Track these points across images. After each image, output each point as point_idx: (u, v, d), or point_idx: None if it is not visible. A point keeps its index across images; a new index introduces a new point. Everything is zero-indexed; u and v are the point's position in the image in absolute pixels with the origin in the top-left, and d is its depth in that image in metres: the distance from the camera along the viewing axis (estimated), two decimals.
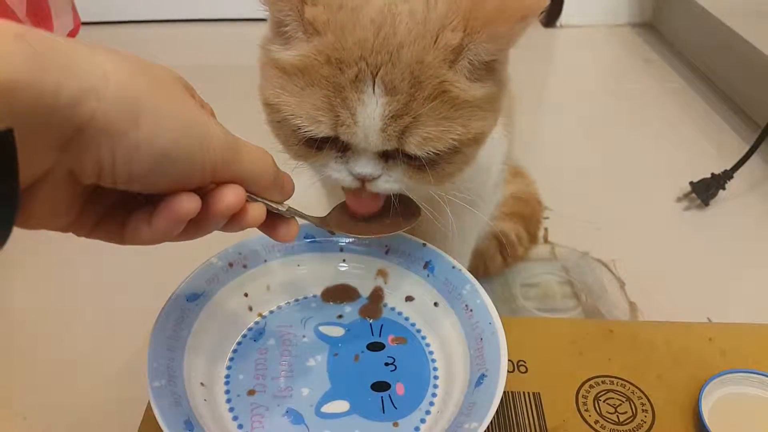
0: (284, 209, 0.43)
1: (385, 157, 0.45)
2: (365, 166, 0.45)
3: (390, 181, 0.46)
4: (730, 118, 1.21)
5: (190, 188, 0.36)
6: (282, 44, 0.44)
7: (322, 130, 0.43)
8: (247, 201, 0.40)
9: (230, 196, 0.38)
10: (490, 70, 0.44)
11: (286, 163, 0.47)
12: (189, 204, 0.36)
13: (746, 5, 1.22)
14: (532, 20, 0.40)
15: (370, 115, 0.41)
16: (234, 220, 0.40)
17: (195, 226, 0.38)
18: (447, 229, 0.53)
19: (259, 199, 0.41)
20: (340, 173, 0.46)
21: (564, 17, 1.59)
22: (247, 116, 0.47)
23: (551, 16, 1.59)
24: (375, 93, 0.41)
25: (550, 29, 1.60)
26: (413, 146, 0.42)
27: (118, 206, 0.38)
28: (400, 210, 0.49)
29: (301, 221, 0.46)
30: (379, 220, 0.49)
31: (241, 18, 1.46)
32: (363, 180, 0.46)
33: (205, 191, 0.38)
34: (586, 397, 0.53)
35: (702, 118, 1.23)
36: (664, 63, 1.43)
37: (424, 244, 0.57)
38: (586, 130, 1.23)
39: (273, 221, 0.43)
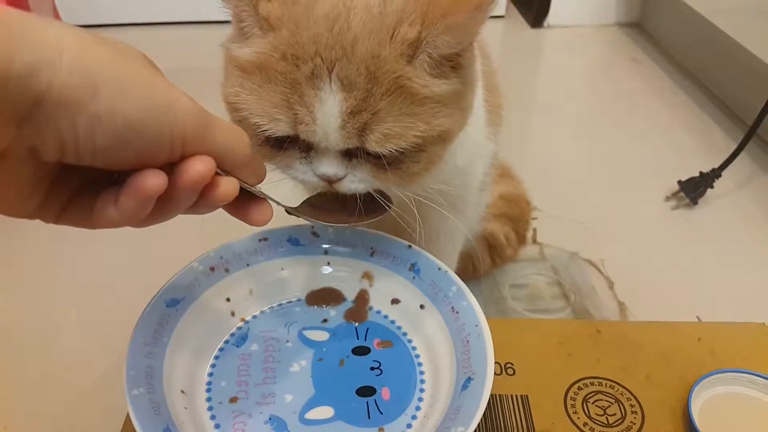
0: (257, 191, 0.42)
1: (349, 156, 0.44)
2: (329, 167, 0.44)
3: (356, 182, 0.45)
4: (717, 117, 1.21)
5: (158, 164, 0.35)
6: (241, 42, 0.44)
7: (281, 129, 0.42)
8: (218, 175, 0.38)
9: (198, 166, 0.36)
10: (455, 67, 0.44)
11: None
12: (155, 180, 0.34)
13: (733, 4, 1.22)
14: (488, 8, 0.39)
15: (329, 112, 0.41)
16: (204, 196, 0.38)
17: (164, 205, 0.37)
18: (415, 233, 0.52)
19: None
20: (305, 174, 0.45)
21: (551, 17, 1.59)
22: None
23: (538, 17, 1.59)
24: (332, 89, 0.41)
25: (537, 29, 1.59)
26: (374, 143, 0.42)
27: (86, 189, 0.37)
28: (367, 204, 0.48)
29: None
30: (349, 209, 0.48)
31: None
32: (329, 181, 0.45)
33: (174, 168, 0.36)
34: (574, 399, 0.53)
35: (690, 116, 1.23)
36: (652, 62, 1.43)
37: (410, 246, 0.56)
38: (574, 129, 1.23)
39: (245, 203, 0.42)
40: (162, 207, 0.37)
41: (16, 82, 0.28)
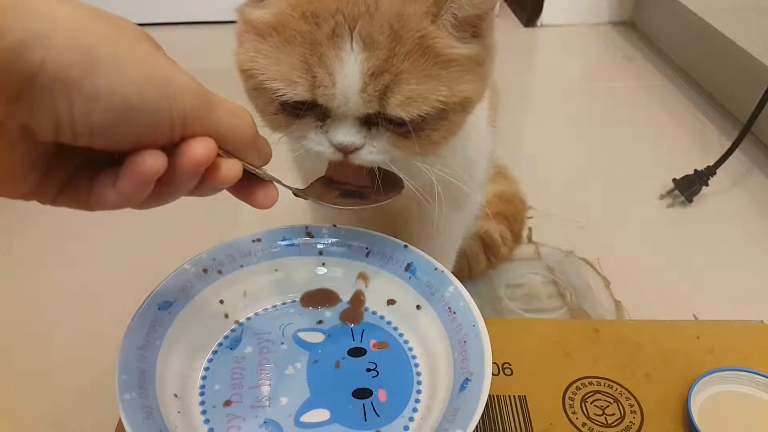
0: (262, 173, 0.41)
1: (368, 124, 0.43)
2: (346, 135, 0.43)
3: (374, 152, 0.44)
4: (711, 115, 1.21)
5: (159, 144, 0.33)
6: (257, 3, 0.42)
7: (299, 93, 0.41)
8: (220, 156, 0.36)
9: (199, 149, 0.34)
10: (476, 33, 0.43)
11: (269, 137, 0.45)
12: (154, 161, 0.33)
13: (726, 2, 1.22)
14: None
15: (349, 73, 0.39)
16: (207, 179, 0.36)
17: (164, 188, 0.35)
18: (435, 212, 0.50)
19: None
20: (321, 144, 0.44)
21: (544, 16, 1.59)
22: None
23: (531, 16, 1.58)
24: (353, 49, 0.39)
25: (530, 28, 1.59)
26: (395, 107, 0.40)
27: (84, 170, 0.35)
28: (381, 183, 0.47)
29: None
30: (360, 192, 0.48)
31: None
32: (345, 151, 0.44)
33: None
34: (573, 399, 0.52)
35: (683, 114, 1.23)
36: (645, 61, 1.43)
37: (406, 246, 0.56)
38: (567, 128, 1.23)
39: (250, 185, 0.40)
40: (163, 189, 0.36)
41: (7, 56, 0.26)
